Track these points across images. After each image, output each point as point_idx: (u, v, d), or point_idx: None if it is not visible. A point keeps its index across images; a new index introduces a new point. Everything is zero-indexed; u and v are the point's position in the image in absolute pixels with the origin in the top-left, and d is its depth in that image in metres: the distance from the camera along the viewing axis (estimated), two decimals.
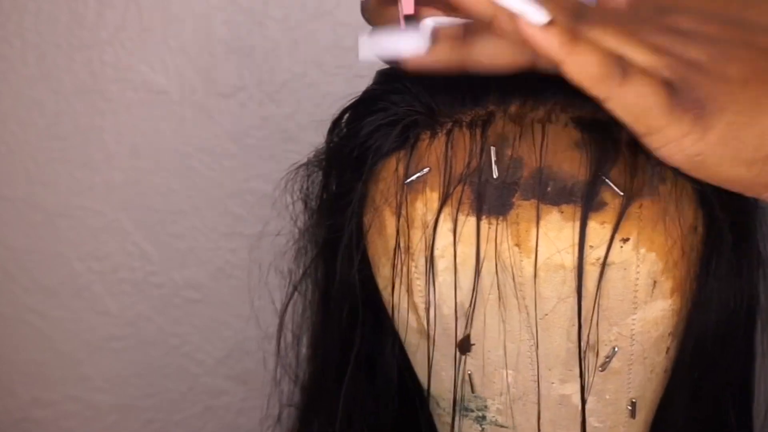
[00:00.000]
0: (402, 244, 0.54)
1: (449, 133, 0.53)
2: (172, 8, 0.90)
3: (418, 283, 0.54)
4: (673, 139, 0.44)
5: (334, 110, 0.59)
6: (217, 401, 1.04)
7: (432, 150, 0.53)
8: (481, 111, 0.53)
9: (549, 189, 0.51)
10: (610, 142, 0.51)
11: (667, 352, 0.55)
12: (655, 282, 0.52)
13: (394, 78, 0.55)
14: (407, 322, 0.56)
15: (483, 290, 0.53)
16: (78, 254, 0.99)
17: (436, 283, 0.53)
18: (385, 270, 0.55)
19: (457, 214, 0.52)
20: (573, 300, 0.52)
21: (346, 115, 0.58)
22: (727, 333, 0.57)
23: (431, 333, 0.55)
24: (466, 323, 0.54)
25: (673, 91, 0.44)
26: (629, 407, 0.55)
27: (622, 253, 0.51)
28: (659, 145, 0.45)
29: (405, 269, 0.54)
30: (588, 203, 0.50)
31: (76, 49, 0.92)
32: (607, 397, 0.55)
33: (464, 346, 0.55)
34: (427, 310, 0.54)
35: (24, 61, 0.93)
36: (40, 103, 0.94)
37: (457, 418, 0.58)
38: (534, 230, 0.51)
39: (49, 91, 0.94)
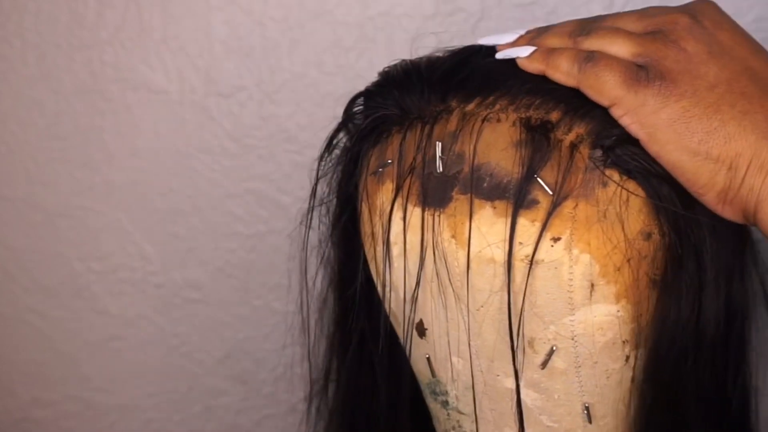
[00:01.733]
0: (368, 231, 0.57)
1: (409, 128, 0.55)
2: (172, 8, 0.90)
3: (381, 267, 0.57)
4: (631, 109, 0.50)
5: (334, 110, 0.60)
6: (217, 401, 1.04)
7: (395, 144, 0.55)
8: (442, 107, 0.54)
9: (485, 185, 0.52)
10: (546, 142, 0.52)
11: (627, 361, 0.54)
12: (592, 284, 0.52)
13: (383, 78, 0.59)
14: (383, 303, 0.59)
15: (426, 278, 0.54)
16: (78, 254, 0.99)
17: (392, 268, 0.56)
18: (366, 253, 0.59)
19: (406, 204, 0.54)
20: (504, 294, 0.52)
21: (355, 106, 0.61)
22: (705, 347, 0.55)
23: (389, 314, 0.59)
24: (413, 308, 0.56)
25: (637, 69, 0.51)
26: (584, 411, 0.55)
27: (552, 251, 0.51)
28: (620, 114, 0.51)
29: (372, 253, 0.57)
30: (519, 200, 0.51)
31: (76, 49, 0.92)
32: (556, 396, 0.55)
33: (419, 329, 0.57)
34: (383, 292, 0.57)
35: (24, 61, 0.93)
36: (40, 103, 0.94)
37: (430, 401, 0.60)
38: (468, 223, 0.52)
39: (49, 91, 0.94)
